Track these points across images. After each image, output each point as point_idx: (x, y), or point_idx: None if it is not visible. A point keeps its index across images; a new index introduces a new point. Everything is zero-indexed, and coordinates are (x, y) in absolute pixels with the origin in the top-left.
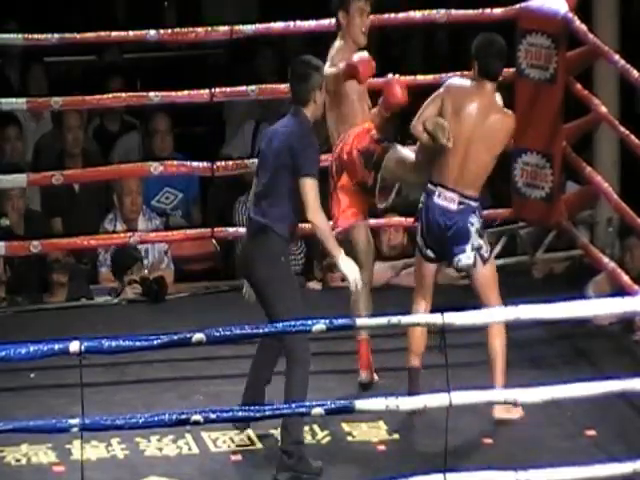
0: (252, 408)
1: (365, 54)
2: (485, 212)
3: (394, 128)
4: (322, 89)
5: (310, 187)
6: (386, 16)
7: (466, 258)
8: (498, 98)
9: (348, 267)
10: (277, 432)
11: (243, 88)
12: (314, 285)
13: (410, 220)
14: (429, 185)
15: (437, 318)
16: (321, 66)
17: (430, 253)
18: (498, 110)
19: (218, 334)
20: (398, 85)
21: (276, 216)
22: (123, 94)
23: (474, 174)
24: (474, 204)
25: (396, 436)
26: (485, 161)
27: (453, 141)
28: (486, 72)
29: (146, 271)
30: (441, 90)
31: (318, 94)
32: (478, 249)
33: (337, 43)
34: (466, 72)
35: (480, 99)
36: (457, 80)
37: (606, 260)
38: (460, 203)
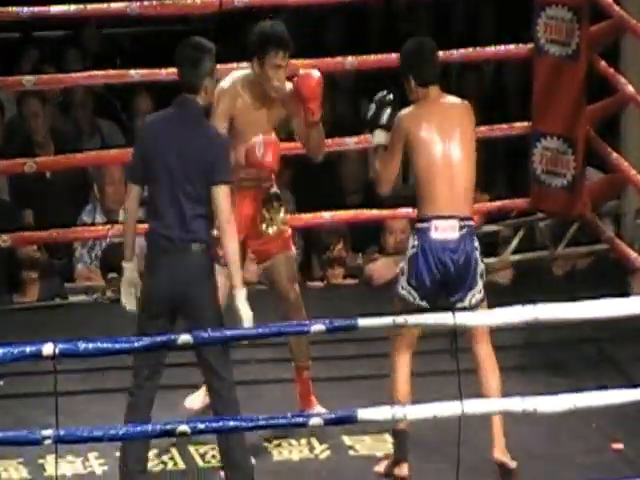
0: (244, 417)
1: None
2: (500, 202)
3: None
4: (213, 77)
5: (227, 195)
6: None
7: (479, 292)
8: (445, 96)
9: (245, 308)
10: (271, 445)
11: (233, 66)
12: (315, 284)
13: None
14: (418, 223)
15: (448, 318)
16: (213, 50)
17: (425, 304)
18: (456, 108)
19: (207, 336)
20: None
21: (203, 227)
22: (101, 72)
23: (465, 188)
24: (471, 222)
25: None
26: (470, 168)
27: (434, 166)
28: (426, 80)
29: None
30: (394, 135)
31: (209, 82)
32: (481, 276)
33: (249, 71)
34: (479, 48)
35: (437, 110)
36: (404, 112)
37: (634, 255)
38: (461, 228)
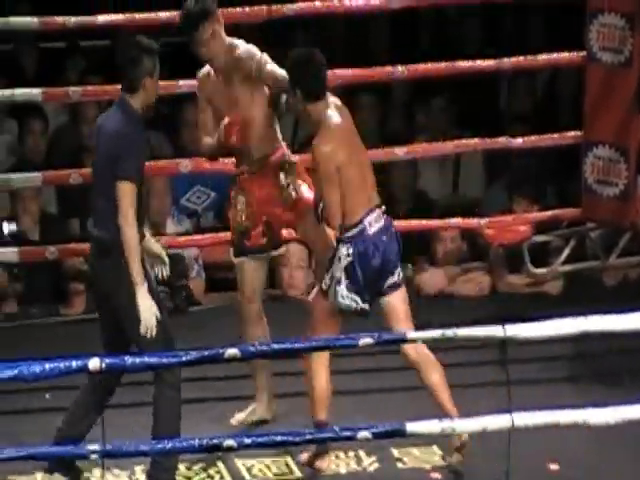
0: (291, 432)
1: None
2: (551, 212)
3: None
4: (154, 76)
5: (125, 192)
6: None
7: (401, 267)
8: (331, 102)
9: (146, 305)
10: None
11: None
12: None
13: (469, 222)
14: (349, 232)
15: (498, 330)
16: (154, 50)
17: (367, 306)
18: (344, 110)
19: (254, 349)
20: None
21: (113, 225)
22: None
23: (373, 179)
24: (383, 206)
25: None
26: (368, 159)
27: (355, 174)
28: (316, 95)
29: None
30: (330, 171)
31: (149, 81)
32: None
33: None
34: (530, 56)
35: (342, 126)
36: (326, 147)
37: None
38: (383, 213)
